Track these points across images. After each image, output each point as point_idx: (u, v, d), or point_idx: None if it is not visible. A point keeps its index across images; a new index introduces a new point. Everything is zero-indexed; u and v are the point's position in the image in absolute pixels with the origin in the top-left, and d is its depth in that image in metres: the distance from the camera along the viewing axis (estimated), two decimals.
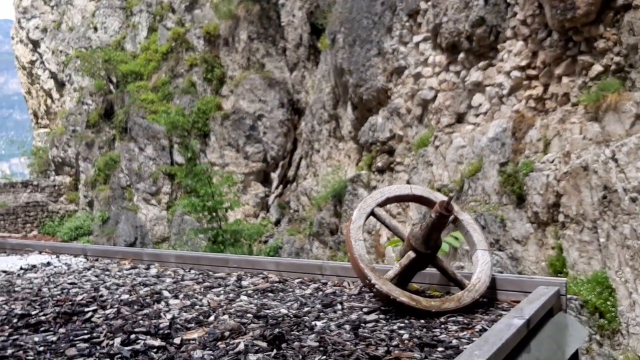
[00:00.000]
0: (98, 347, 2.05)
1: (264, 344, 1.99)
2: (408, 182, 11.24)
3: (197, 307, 2.61)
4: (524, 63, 9.66)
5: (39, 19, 26.25)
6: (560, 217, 8.44)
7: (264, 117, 16.94)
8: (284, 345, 1.99)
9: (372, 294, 2.59)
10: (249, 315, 2.41)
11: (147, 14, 21.86)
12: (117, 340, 2.10)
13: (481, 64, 10.45)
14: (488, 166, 9.75)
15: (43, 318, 2.45)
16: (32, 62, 26.92)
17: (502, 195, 9.43)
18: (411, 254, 2.55)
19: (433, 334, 2.13)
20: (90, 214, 21.05)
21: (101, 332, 2.22)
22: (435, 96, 11.34)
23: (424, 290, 2.79)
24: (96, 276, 3.45)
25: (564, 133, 8.76)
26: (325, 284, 3.04)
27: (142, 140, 19.01)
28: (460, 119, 10.90)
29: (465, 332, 2.16)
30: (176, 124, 16.90)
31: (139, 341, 2.09)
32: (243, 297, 2.78)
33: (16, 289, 3.14)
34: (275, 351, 1.93)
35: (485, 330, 2.12)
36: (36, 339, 2.17)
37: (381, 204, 2.76)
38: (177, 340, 2.09)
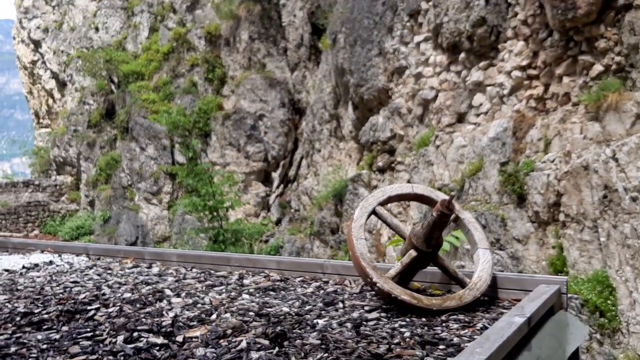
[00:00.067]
0: (101, 345, 2.06)
1: (266, 342, 2.00)
2: (409, 182, 11.25)
3: (199, 305, 2.62)
4: (524, 63, 9.66)
5: (40, 19, 26.28)
6: (561, 217, 8.44)
7: (265, 117, 16.95)
8: (286, 343, 2.00)
9: (373, 292, 2.60)
10: (250, 313, 2.42)
11: (148, 14, 21.88)
12: (120, 338, 2.11)
13: (482, 63, 10.45)
14: (489, 166, 9.76)
15: (46, 316, 2.46)
16: (34, 62, 26.96)
17: (502, 195, 9.43)
18: (412, 253, 2.56)
19: (434, 332, 2.14)
20: (92, 213, 21.08)
21: (104, 330, 2.23)
22: (436, 96, 11.34)
23: (425, 289, 2.80)
24: (98, 275, 3.46)
25: (565, 133, 8.77)
26: (326, 282, 3.05)
27: (143, 140, 19.03)
28: (461, 118, 10.90)
29: (466, 330, 2.17)
30: (177, 123, 16.93)
31: (142, 339, 2.10)
32: (245, 296, 2.79)
33: (19, 287, 3.15)
34: (277, 349, 1.94)
35: (487, 328, 2.13)
36: (39, 337, 2.18)
37: (383, 203, 2.77)
38: (179, 338, 2.10)
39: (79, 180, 22.38)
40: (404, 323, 2.27)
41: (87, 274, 3.50)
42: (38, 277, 3.45)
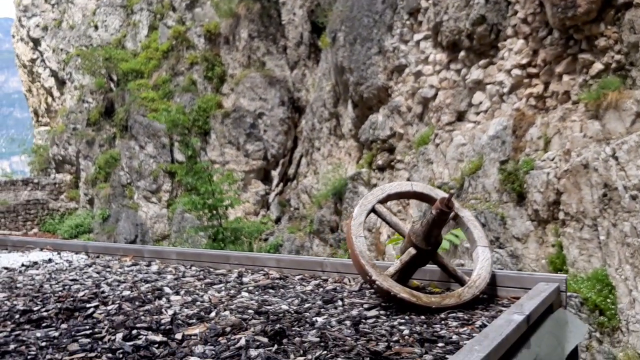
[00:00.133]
0: (100, 343, 2.07)
1: (265, 340, 2.00)
2: (408, 180, 11.24)
3: (198, 303, 2.62)
4: (524, 61, 9.66)
5: (39, 17, 26.24)
6: (561, 215, 8.44)
7: (264, 115, 16.94)
8: (285, 340, 2.00)
9: (372, 290, 2.60)
10: (250, 311, 2.42)
11: (147, 12, 21.85)
12: (119, 336, 2.11)
13: (482, 62, 10.45)
14: (488, 164, 9.76)
15: (45, 314, 2.46)
16: (33, 61, 26.92)
17: (502, 193, 9.44)
18: (412, 251, 2.56)
19: (433, 330, 2.14)
20: (91, 211, 21.07)
21: (103, 328, 2.23)
22: (436, 94, 11.34)
23: (424, 287, 2.80)
24: (97, 273, 3.46)
25: (565, 131, 8.77)
26: (326, 280, 3.05)
27: (142, 138, 19.02)
28: (460, 117, 10.90)
29: (465, 328, 2.17)
30: (177, 122, 16.91)
31: (141, 337, 2.10)
32: (244, 294, 2.79)
33: (18, 285, 3.15)
34: (276, 346, 1.94)
35: (485, 326, 2.13)
36: (38, 335, 2.19)
37: (382, 201, 2.77)
38: (178, 336, 2.10)
39: (78, 179, 22.37)
40: (403, 321, 2.27)
41: (86, 272, 3.50)
42: (37, 275, 3.45)
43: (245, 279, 3.14)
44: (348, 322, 2.23)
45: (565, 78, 9.10)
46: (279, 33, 17.38)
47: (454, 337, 2.05)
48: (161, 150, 18.75)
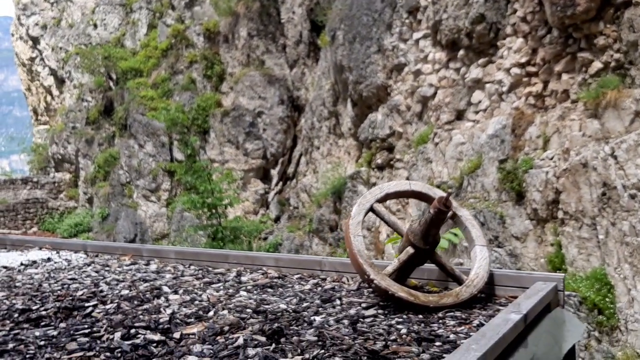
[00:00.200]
0: (98, 342, 2.07)
1: (263, 339, 2.01)
2: (407, 179, 11.25)
3: (196, 302, 2.62)
4: (523, 60, 9.66)
5: (38, 15, 26.22)
6: (560, 214, 8.45)
7: (263, 114, 16.94)
8: (282, 339, 2.01)
9: (370, 289, 2.60)
10: (248, 310, 2.43)
11: (146, 10, 21.83)
12: (117, 335, 2.11)
13: (481, 60, 10.45)
14: (487, 163, 9.76)
15: (44, 313, 2.46)
16: (32, 59, 26.90)
17: (501, 192, 9.44)
18: (410, 250, 2.57)
19: (431, 329, 2.15)
20: (90, 210, 21.06)
21: (101, 327, 2.23)
22: (435, 93, 11.34)
23: (422, 286, 2.80)
24: (96, 272, 3.46)
25: (564, 130, 8.77)
26: (324, 279, 3.06)
27: (141, 137, 19.02)
28: (459, 115, 10.90)
29: (462, 327, 2.17)
30: (176, 120, 16.90)
31: (139, 336, 2.11)
32: (242, 293, 2.80)
33: (17, 284, 3.16)
34: (274, 345, 1.94)
35: (483, 325, 2.14)
36: (37, 334, 2.19)
37: (380, 200, 2.77)
38: (176, 335, 2.11)
39: (78, 178, 22.36)
40: (400, 320, 2.27)
41: (85, 271, 3.50)
42: (36, 274, 3.46)
43: (243, 278, 3.14)
44: (346, 321, 2.24)
45: (565, 77, 9.10)
46: (278, 31, 17.37)
47: (452, 336, 2.05)
48: (160, 149, 18.75)
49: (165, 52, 20.05)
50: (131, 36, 22.11)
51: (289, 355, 1.86)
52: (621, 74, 8.31)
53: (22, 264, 3.79)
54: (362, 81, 12.67)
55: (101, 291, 2.87)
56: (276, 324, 2.14)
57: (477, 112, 10.59)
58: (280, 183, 16.89)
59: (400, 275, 2.64)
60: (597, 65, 8.59)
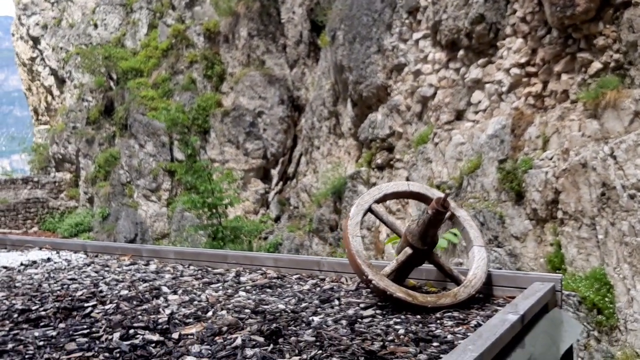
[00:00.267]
0: (97, 342, 2.08)
1: (261, 339, 2.02)
2: (407, 179, 11.25)
3: (195, 302, 2.63)
4: (523, 60, 9.66)
5: (39, 15, 26.23)
6: (559, 214, 8.46)
7: (264, 114, 16.95)
8: (280, 340, 2.01)
9: (369, 289, 2.61)
10: (246, 310, 2.44)
11: (147, 10, 21.85)
12: (116, 335, 2.12)
13: (480, 61, 10.46)
14: (487, 163, 9.77)
15: (43, 313, 2.47)
16: (33, 59, 26.92)
17: (501, 192, 9.45)
18: (408, 250, 2.57)
19: (428, 329, 2.16)
20: (91, 210, 21.08)
21: (100, 327, 2.24)
22: (435, 93, 11.35)
23: (420, 286, 2.81)
24: (96, 272, 3.47)
25: (563, 130, 8.77)
26: (323, 279, 3.06)
27: (142, 136, 19.03)
28: (459, 116, 10.91)
29: (460, 328, 2.18)
30: (176, 120, 16.91)
31: (138, 336, 2.11)
32: (241, 293, 2.81)
33: (17, 284, 3.17)
34: (272, 346, 1.95)
35: (480, 325, 2.14)
36: (36, 334, 2.20)
37: (379, 201, 2.78)
38: (175, 335, 2.11)
39: (78, 177, 22.38)
40: (398, 320, 2.28)
41: (84, 271, 3.51)
42: (36, 274, 3.46)
43: (242, 279, 3.15)
44: (344, 322, 2.25)
45: (564, 77, 9.11)
46: (279, 32, 17.38)
47: (449, 337, 2.06)
48: (161, 148, 18.77)
49: (165, 52, 20.06)
50: (131, 36, 22.13)
51: (287, 355, 1.86)
52: (621, 74, 8.31)
53: (22, 264, 3.80)
54: (362, 81, 12.68)
55: (100, 291, 2.88)
56: (274, 325, 2.15)
57: (476, 112, 10.60)
58: (281, 183, 16.90)
59: (399, 275, 2.65)
60: (596, 65, 8.59)
